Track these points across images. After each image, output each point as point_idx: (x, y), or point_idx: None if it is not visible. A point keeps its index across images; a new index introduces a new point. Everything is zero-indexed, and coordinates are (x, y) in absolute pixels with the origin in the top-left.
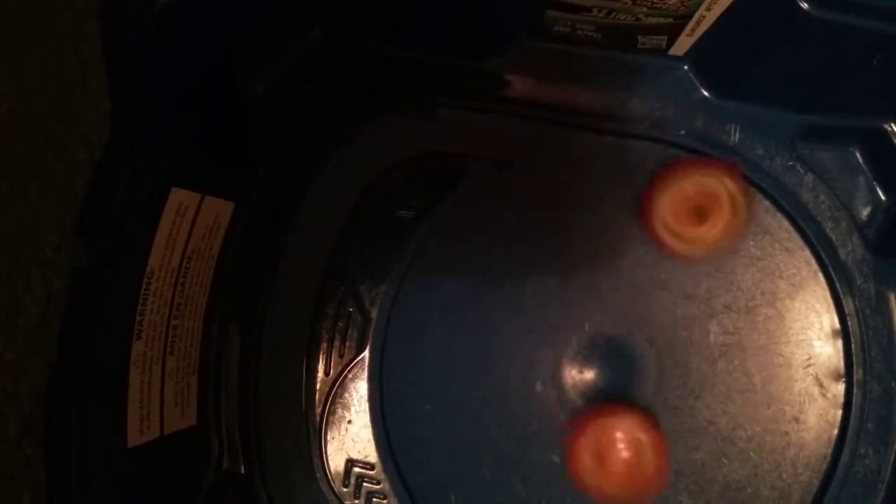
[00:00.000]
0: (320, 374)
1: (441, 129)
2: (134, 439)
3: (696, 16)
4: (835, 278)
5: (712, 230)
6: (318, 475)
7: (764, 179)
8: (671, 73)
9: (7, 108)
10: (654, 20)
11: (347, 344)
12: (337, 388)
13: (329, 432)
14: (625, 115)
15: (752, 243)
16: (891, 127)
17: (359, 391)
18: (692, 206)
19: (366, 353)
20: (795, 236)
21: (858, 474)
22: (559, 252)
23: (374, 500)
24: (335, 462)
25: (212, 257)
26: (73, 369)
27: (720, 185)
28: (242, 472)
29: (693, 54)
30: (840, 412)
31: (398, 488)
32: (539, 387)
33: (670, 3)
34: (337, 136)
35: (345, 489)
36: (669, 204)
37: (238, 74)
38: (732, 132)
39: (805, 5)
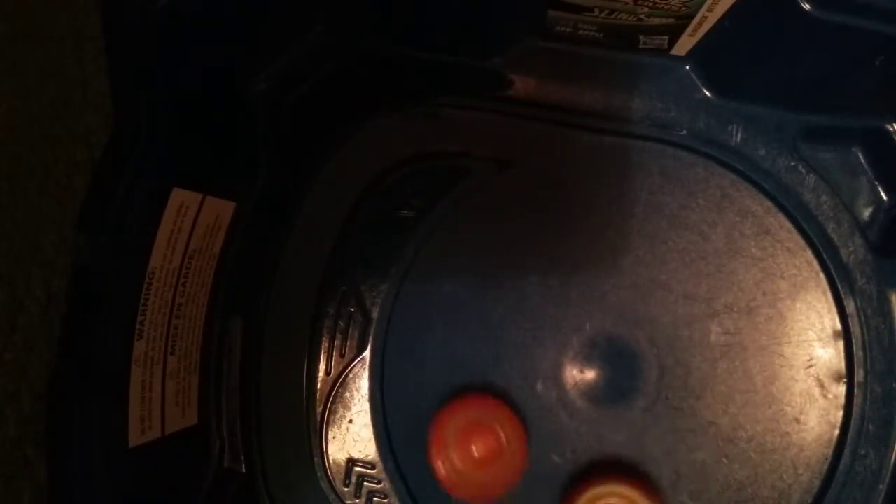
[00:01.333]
0: (321, 373)
1: (441, 129)
2: (135, 439)
3: (698, 16)
4: (836, 279)
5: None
6: (318, 474)
7: (765, 180)
8: (673, 73)
9: (7, 108)
10: (655, 20)
11: (348, 343)
12: (338, 388)
13: (330, 431)
14: (626, 115)
15: (753, 243)
16: (893, 127)
17: (360, 390)
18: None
19: (367, 353)
20: (797, 237)
21: (859, 475)
22: (559, 252)
23: (375, 499)
24: (336, 461)
25: (213, 257)
26: (74, 369)
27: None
28: (243, 471)
29: (695, 54)
30: (841, 413)
31: (399, 487)
32: (539, 386)
33: (672, 3)
34: (337, 136)
35: (345, 488)
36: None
37: (238, 74)
38: (734, 132)
39: (807, 6)
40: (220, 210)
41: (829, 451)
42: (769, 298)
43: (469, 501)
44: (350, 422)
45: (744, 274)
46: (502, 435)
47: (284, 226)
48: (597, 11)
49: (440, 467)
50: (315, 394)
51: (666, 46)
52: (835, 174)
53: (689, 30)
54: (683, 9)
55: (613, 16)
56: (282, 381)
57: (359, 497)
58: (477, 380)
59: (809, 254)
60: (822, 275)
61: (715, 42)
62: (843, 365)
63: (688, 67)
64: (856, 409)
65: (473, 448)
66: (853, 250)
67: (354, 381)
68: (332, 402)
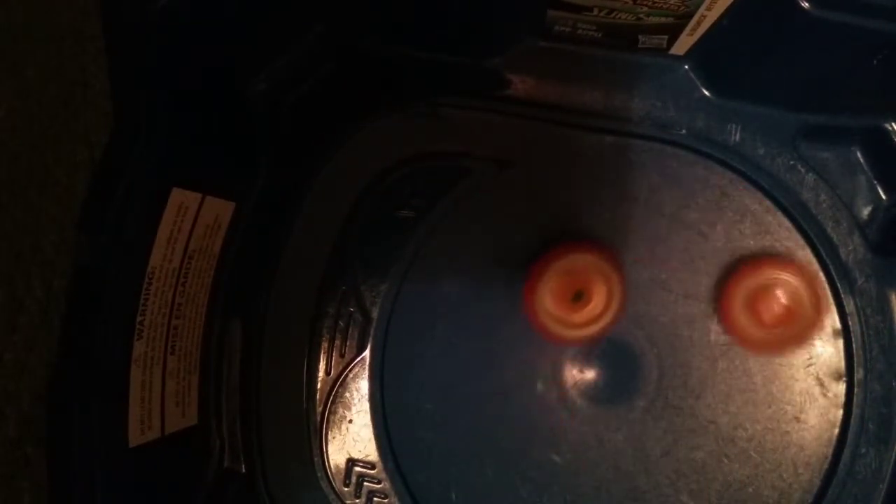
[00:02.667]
0: (321, 373)
1: (441, 129)
2: (135, 439)
3: (697, 15)
4: (836, 278)
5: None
6: (318, 474)
7: (765, 179)
8: (672, 72)
9: (7, 108)
10: (654, 20)
11: (348, 343)
12: (338, 388)
13: (330, 432)
14: (625, 115)
15: (752, 243)
16: (892, 126)
17: (360, 390)
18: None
19: (367, 353)
20: (796, 235)
21: (859, 474)
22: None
23: (375, 499)
24: (336, 461)
25: (213, 257)
26: (74, 369)
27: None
28: (243, 471)
29: (694, 54)
30: (841, 412)
31: (399, 488)
32: (540, 386)
33: (671, 2)
34: (337, 136)
35: (346, 488)
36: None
37: (238, 74)
38: (733, 132)
39: (806, 5)
40: (220, 210)
41: (830, 450)
42: None
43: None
44: (350, 422)
45: None
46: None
47: (284, 226)
48: (596, 11)
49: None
50: (315, 394)
51: (665, 46)
52: (834, 173)
53: (688, 29)
54: (682, 8)
55: (613, 15)
56: (282, 381)
57: (359, 497)
58: (477, 380)
59: (809, 253)
60: (821, 274)
61: (714, 41)
62: (842, 363)
63: (687, 67)
64: (856, 408)
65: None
66: (852, 249)
67: (354, 381)
68: (332, 402)
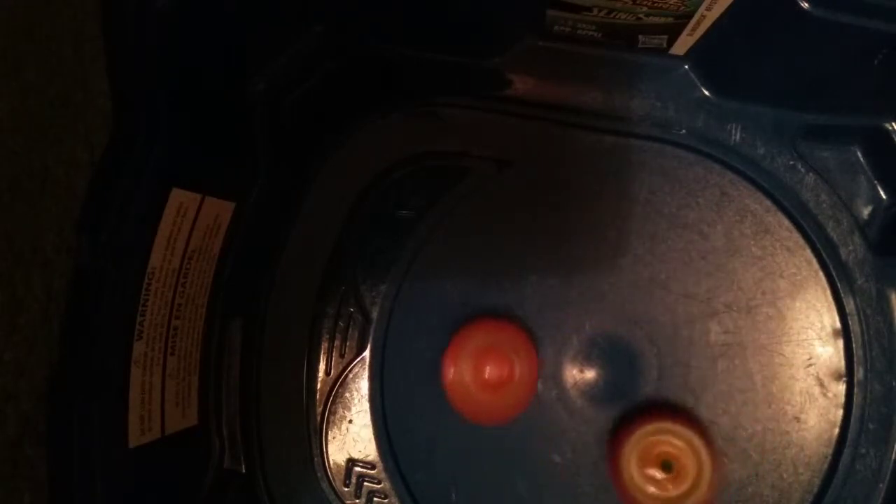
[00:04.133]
0: (321, 373)
1: (441, 129)
2: (135, 439)
3: (697, 15)
4: (836, 277)
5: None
6: (318, 474)
7: (765, 179)
8: (672, 72)
9: (7, 108)
10: (654, 20)
11: (348, 343)
12: (338, 388)
13: (330, 432)
14: (625, 115)
15: (752, 242)
16: (891, 126)
17: (360, 391)
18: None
19: (366, 353)
20: (796, 235)
21: (859, 474)
22: (559, 252)
23: (375, 499)
24: (336, 461)
25: (212, 257)
26: (74, 369)
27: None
28: (243, 471)
29: (694, 54)
30: (841, 412)
31: (399, 487)
32: (539, 386)
33: (671, 2)
34: (337, 136)
35: (346, 488)
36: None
37: (238, 74)
38: (733, 131)
39: (806, 5)
40: (220, 210)
41: (830, 450)
42: (769, 297)
43: (470, 419)
44: (350, 422)
45: (743, 273)
46: (516, 363)
47: (284, 226)
48: (596, 11)
49: (450, 377)
50: (315, 394)
51: (665, 46)
52: (834, 173)
53: (688, 29)
54: (682, 8)
55: (612, 15)
56: (282, 381)
57: (359, 497)
58: None
59: (809, 252)
60: (821, 273)
61: (714, 41)
62: (842, 363)
63: (687, 67)
64: (856, 408)
65: (487, 370)
66: (852, 249)
67: (354, 381)
68: (332, 402)
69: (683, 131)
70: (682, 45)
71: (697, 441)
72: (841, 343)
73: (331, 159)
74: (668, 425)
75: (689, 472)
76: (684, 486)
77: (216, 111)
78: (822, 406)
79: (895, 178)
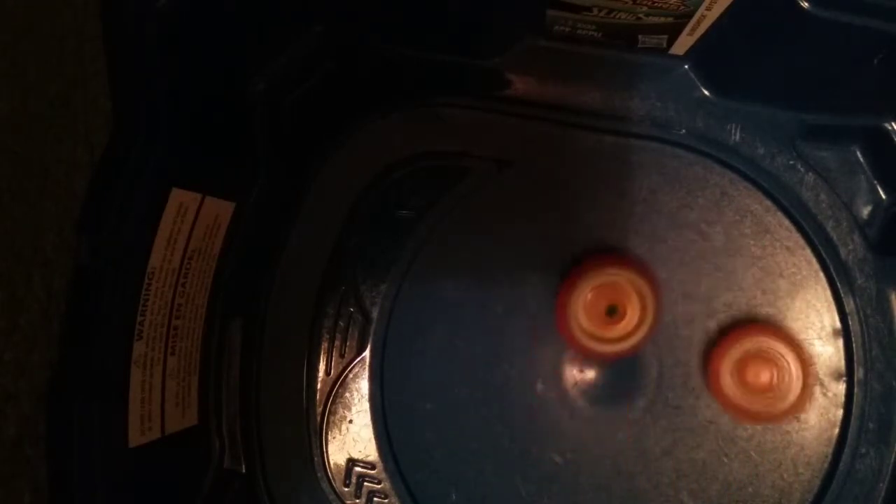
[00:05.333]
0: (321, 373)
1: (441, 129)
2: (135, 439)
3: (697, 15)
4: (835, 277)
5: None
6: (319, 475)
7: (764, 178)
8: (672, 72)
9: (7, 108)
10: (654, 19)
11: (348, 343)
12: (338, 388)
13: (330, 432)
14: (625, 115)
15: (752, 242)
16: (891, 126)
17: (360, 391)
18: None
19: (366, 353)
20: (796, 235)
21: (859, 473)
22: (559, 252)
23: (375, 499)
24: (336, 461)
25: (212, 257)
26: (74, 369)
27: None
28: (243, 471)
29: (694, 53)
30: (841, 411)
31: (399, 487)
32: (540, 386)
33: (671, 2)
34: (337, 136)
35: (346, 489)
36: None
37: (238, 74)
38: (733, 131)
39: (806, 4)
40: (220, 210)
41: (830, 450)
42: (769, 297)
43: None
44: (350, 422)
45: (743, 273)
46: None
47: (284, 226)
48: (596, 11)
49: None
50: (315, 394)
51: (665, 46)
52: (834, 173)
53: (688, 29)
54: (682, 8)
55: (612, 15)
56: (282, 381)
57: (359, 497)
58: (477, 380)
59: (809, 252)
60: (821, 273)
61: (714, 41)
62: (842, 363)
63: (686, 66)
64: (856, 407)
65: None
66: (852, 249)
67: (354, 381)
68: (332, 402)
69: (683, 131)
70: (682, 45)
71: (638, 280)
72: (841, 343)
73: (331, 159)
74: (608, 272)
75: (633, 312)
76: (630, 326)
77: (216, 111)
78: (822, 406)
79: (895, 178)
